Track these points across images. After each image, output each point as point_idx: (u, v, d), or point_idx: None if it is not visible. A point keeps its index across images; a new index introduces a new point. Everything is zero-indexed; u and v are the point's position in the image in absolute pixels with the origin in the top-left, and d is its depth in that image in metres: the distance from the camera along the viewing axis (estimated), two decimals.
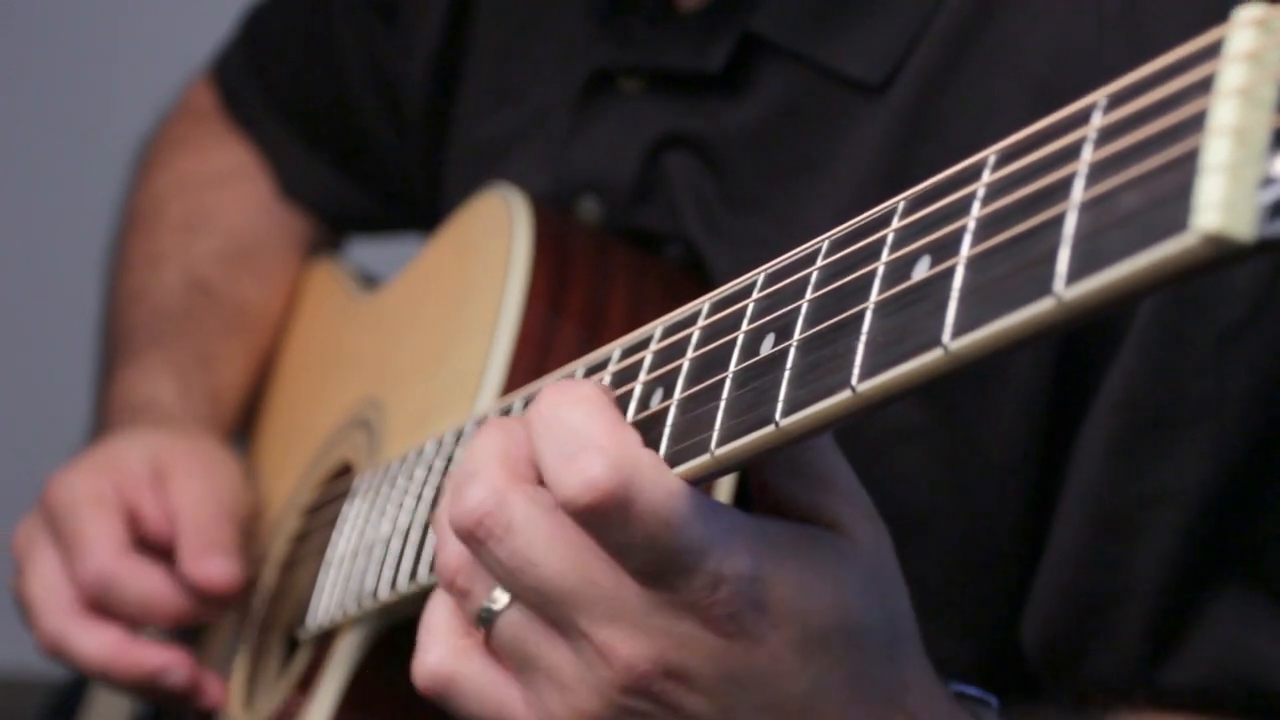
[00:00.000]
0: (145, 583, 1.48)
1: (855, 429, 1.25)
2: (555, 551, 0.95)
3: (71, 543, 1.48)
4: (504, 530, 0.96)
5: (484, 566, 0.99)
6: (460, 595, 1.01)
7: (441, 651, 1.04)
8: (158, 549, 1.51)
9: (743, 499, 1.22)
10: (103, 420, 1.71)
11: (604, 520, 0.93)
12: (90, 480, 1.52)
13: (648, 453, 0.94)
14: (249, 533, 1.58)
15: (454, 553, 1.01)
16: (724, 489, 1.22)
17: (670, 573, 0.93)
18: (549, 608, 0.97)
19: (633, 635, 0.95)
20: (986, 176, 0.82)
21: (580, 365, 1.08)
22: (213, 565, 1.49)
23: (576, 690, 0.97)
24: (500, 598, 0.99)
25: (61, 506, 1.50)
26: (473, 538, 0.97)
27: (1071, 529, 1.21)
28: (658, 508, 0.92)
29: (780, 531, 0.96)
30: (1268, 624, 1.17)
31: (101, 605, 1.48)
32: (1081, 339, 1.19)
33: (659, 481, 0.93)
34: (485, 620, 1.00)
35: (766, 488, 0.99)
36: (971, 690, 1.06)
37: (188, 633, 1.62)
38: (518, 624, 0.99)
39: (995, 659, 1.29)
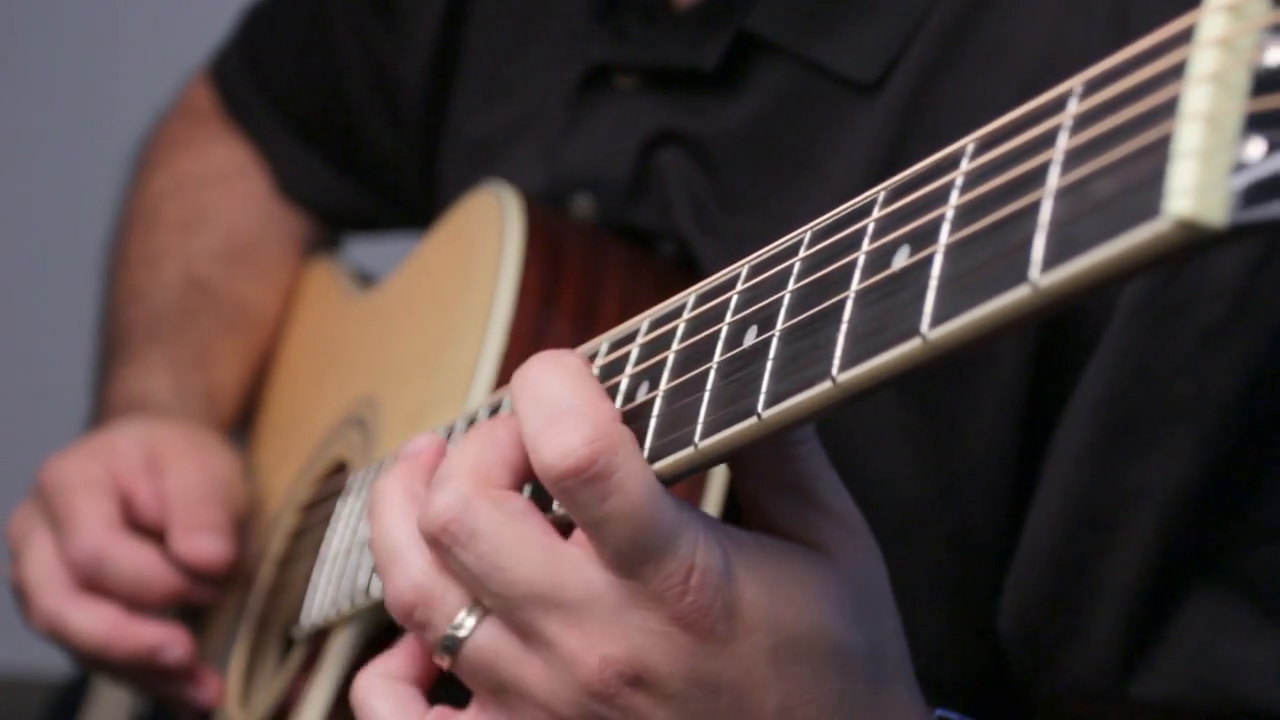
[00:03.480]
0: (137, 559, 1.48)
1: (840, 428, 1.25)
2: (520, 555, 0.95)
3: (64, 522, 1.49)
4: (469, 535, 0.95)
5: (450, 573, 0.98)
6: (419, 627, 1.00)
7: (387, 711, 1.03)
8: (151, 533, 1.52)
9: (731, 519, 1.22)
10: (101, 416, 1.72)
11: (585, 488, 0.92)
12: (84, 464, 1.52)
13: (628, 429, 0.94)
14: (243, 517, 1.58)
15: (408, 585, 1.00)
16: (712, 501, 1.22)
17: (645, 553, 0.92)
18: (516, 614, 0.96)
19: (600, 639, 0.94)
20: (965, 165, 0.82)
21: None
22: (202, 541, 1.49)
23: (549, 704, 0.96)
24: (465, 624, 0.98)
25: (54, 488, 1.51)
26: (438, 543, 0.97)
27: (1047, 528, 1.20)
28: (642, 477, 0.92)
29: (756, 539, 0.96)
30: (1239, 628, 1.16)
31: (95, 583, 1.48)
32: (1058, 335, 1.18)
33: (639, 456, 0.93)
34: (449, 648, 0.99)
35: (753, 501, 0.98)
36: (956, 716, 1.04)
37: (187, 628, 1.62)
38: (484, 647, 0.98)
39: (982, 661, 1.29)
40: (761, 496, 0.98)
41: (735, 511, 1.19)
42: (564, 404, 0.93)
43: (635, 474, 0.92)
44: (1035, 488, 1.21)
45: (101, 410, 1.73)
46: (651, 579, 0.93)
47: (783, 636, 0.95)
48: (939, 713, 1.04)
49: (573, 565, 0.94)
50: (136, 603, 1.49)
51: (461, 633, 0.98)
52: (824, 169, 1.32)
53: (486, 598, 0.97)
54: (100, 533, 1.47)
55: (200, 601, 1.54)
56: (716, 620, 0.93)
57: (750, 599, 0.94)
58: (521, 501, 0.97)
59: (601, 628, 0.93)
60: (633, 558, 0.93)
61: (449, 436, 1.20)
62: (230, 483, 1.57)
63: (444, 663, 1.00)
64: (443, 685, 1.05)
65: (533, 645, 0.96)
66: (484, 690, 0.99)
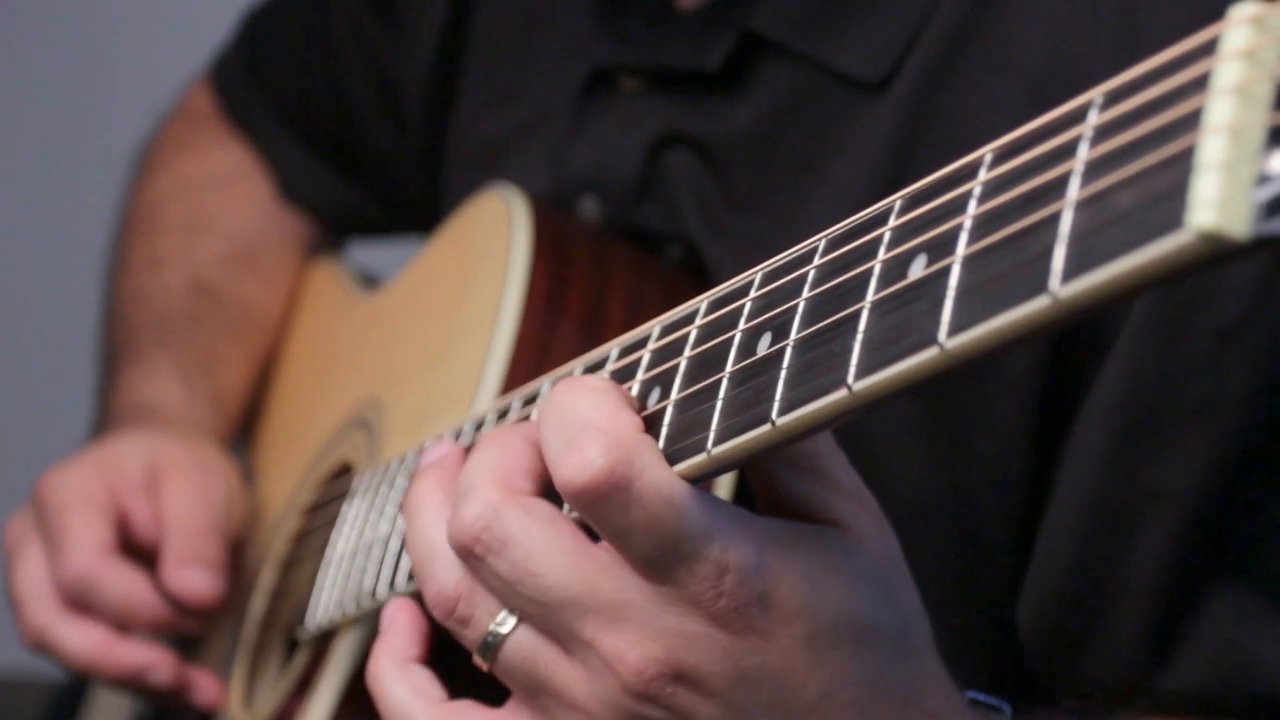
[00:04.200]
0: (125, 586, 1.48)
1: (851, 428, 1.25)
2: (554, 559, 0.95)
3: (56, 540, 1.48)
4: (501, 544, 0.95)
5: (484, 584, 0.98)
6: (460, 624, 1.00)
7: (405, 696, 1.03)
8: (146, 553, 1.51)
9: (742, 497, 1.22)
10: (106, 420, 1.71)
11: (604, 501, 0.91)
12: (83, 479, 1.52)
13: (650, 438, 0.94)
14: (241, 544, 1.57)
15: (449, 583, 1.00)
16: (723, 490, 1.22)
17: (674, 560, 0.92)
18: (552, 619, 0.96)
19: (639, 639, 0.93)
20: (983, 174, 0.82)
21: (578, 364, 1.08)
22: (193, 577, 1.48)
23: (588, 706, 0.96)
24: (506, 621, 0.98)
25: (51, 503, 1.50)
26: (471, 554, 0.97)
27: (1067, 527, 1.20)
28: (660, 486, 0.91)
29: (784, 528, 0.95)
30: (1262, 623, 1.16)
31: (82, 605, 1.48)
32: (1074, 334, 1.18)
33: (661, 462, 0.92)
34: (490, 646, 0.99)
35: (767, 483, 0.98)
36: (984, 697, 1.05)
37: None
38: (525, 646, 0.98)
39: (994, 661, 1.29)
40: (774, 478, 0.97)
41: (745, 495, 1.20)
42: (582, 421, 0.93)
43: (655, 483, 0.92)
44: (1048, 487, 1.21)
45: (107, 414, 1.72)
46: (686, 583, 0.92)
47: (819, 624, 0.94)
48: (969, 694, 1.04)
49: (606, 569, 0.94)
50: (122, 627, 1.49)
51: (504, 629, 0.98)
52: (830, 169, 1.32)
53: (522, 604, 0.97)
54: (90, 555, 1.47)
55: (187, 632, 1.53)
56: (754, 617, 0.93)
57: (786, 592, 0.94)
58: (548, 506, 0.97)
59: (639, 629, 0.93)
60: (662, 564, 0.92)
61: (457, 438, 1.20)
62: (229, 507, 1.56)
63: (484, 663, 1.00)
64: (469, 685, 1.05)
65: (571, 647, 0.96)
66: (521, 690, 1.00)
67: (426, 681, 1.05)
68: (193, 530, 1.51)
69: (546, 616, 0.96)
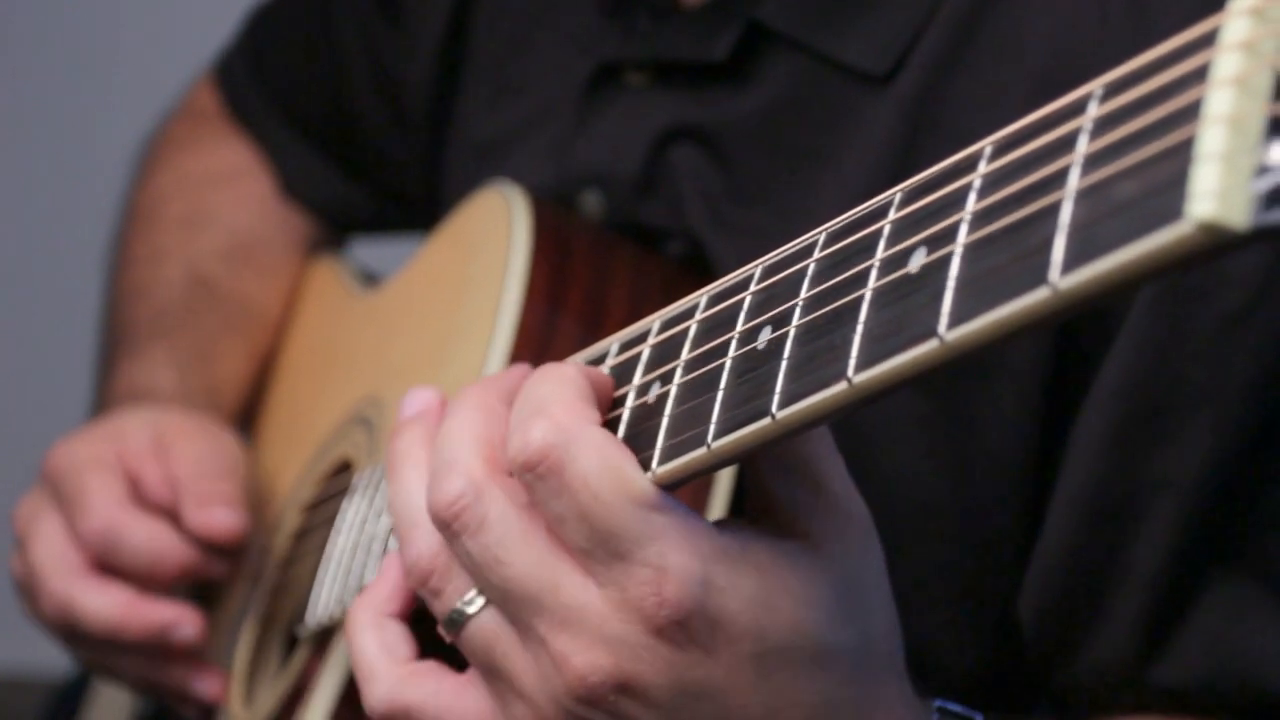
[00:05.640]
0: (150, 535, 1.47)
1: (857, 421, 1.25)
2: (523, 551, 0.96)
3: (74, 502, 1.48)
4: (478, 525, 0.97)
5: (456, 558, 1.00)
6: (432, 595, 1.02)
7: (387, 685, 1.04)
8: (160, 516, 1.51)
9: (737, 497, 1.22)
10: (102, 409, 1.71)
11: (541, 483, 0.94)
12: (92, 446, 1.52)
13: (600, 431, 0.95)
14: (252, 500, 1.57)
15: (426, 552, 1.01)
16: (722, 487, 1.22)
17: (609, 556, 0.93)
18: (511, 607, 0.97)
19: (587, 645, 0.95)
20: (983, 167, 0.82)
21: (578, 359, 1.08)
22: (216, 514, 1.48)
23: (536, 700, 0.98)
24: (474, 601, 1.00)
25: (63, 469, 1.50)
26: (448, 529, 0.98)
27: (1069, 515, 1.20)
28: (589, 479, 0.93)
29: (741, 544, 0.96)
30: (1258, 615, 1.17)
31: (108, 561, 1.47)
32: (1079, 325, 1.18)
33: (598, 455, 0.93)
34: (455, 622, 1.01)
35: (760, 484, 0.99)
36: (956, 707, 1.05)
37: None
38: (487, 629, 0.99)
39: (996, 654, 1.29)
40: (765, 476, 0.98)
41: (742, 498, 1.20)
42: (538, 402, 0.95)
43: (587, 474, 0.93)
44: (1053, 478, 1.21)
45: (103, 403, 1.72)
46: (625, 585, 0.94)
47: (768, 644, 0.95)
48: (938, 703, 1.04)
49: (570, 571, 0.96)
50: (150, 581, 1.48)
51: (470, 609, 1.00)
52: (836, 161, 1.32)
53: (485, 587, 0.99)
54: (112, 509, 1.47)
55: (214, 575, 1.53)
56: (697, 631, 0.94)
57: (733, 610, 0.94)
58: (527, 494, 0.98)
59: (589, 636, 0.95)
60: (598, 557, 0.94)
61: None
62: (238, 458, 1.56)
63: (448, 636, 1.02)
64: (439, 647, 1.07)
65: (527, 639, 0.98)
66: (480, 668, 1.02)
67: (397, 638, 1.07)
68: (207, 475, 1.51)
69: (506, 604, 0.98)
